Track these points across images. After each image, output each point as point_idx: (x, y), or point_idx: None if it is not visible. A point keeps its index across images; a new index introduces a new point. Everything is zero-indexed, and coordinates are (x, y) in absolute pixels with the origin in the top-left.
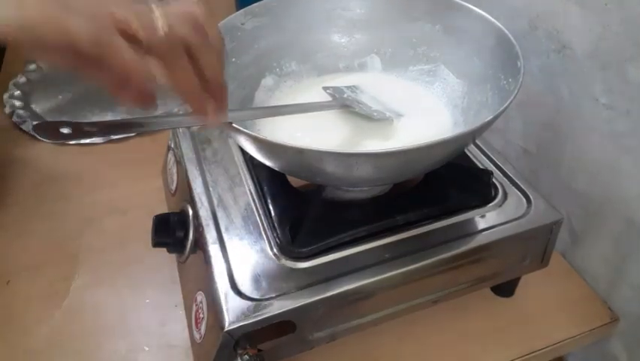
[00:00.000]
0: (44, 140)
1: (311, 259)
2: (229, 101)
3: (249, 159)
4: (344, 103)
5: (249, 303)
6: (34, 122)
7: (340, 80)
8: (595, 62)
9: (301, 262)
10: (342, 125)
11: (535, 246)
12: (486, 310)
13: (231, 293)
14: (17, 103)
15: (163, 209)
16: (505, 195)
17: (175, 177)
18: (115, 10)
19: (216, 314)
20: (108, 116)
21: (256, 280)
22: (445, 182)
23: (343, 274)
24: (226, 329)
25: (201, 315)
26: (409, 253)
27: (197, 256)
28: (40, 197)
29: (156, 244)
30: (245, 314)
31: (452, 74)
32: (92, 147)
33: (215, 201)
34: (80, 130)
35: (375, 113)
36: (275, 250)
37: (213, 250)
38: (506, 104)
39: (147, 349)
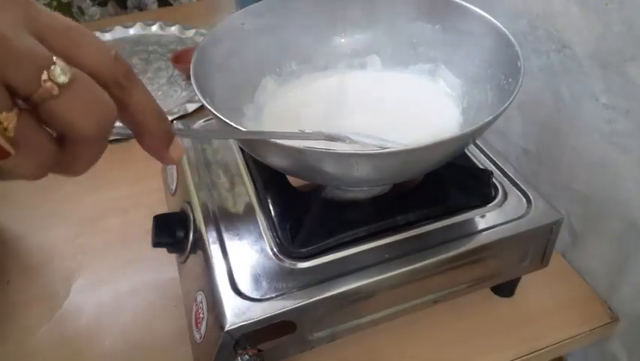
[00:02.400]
0: None
1: (311, 259)
2: (228, 100)
3: (249, 159)
4: (332, 137)
5: (249, 303)
6: None
7: (341, 80)
8: (595, 62)
9: (301, 262)
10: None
11: (535, 246)
12: (486, 310)
13: (231, 293)
14: None
15: (163, 209)
16: (505, 195)
17: (175, 177)
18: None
19: (216, 314)
20: None
21: (256, 280)
22: (445, 182)
23: (343, 274)
24: (226, 329)
25: (201, 315)
26: (409, 253)
27: (197, 256)
28: (40, 197)
29: (156, 244)
30: (245, 314)
31: (452, 74)
32: None
33: (216, 201)
34: None
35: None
36: (275, 250)
37: (213, 250)
38: (506, 105)
39: (147, 349)
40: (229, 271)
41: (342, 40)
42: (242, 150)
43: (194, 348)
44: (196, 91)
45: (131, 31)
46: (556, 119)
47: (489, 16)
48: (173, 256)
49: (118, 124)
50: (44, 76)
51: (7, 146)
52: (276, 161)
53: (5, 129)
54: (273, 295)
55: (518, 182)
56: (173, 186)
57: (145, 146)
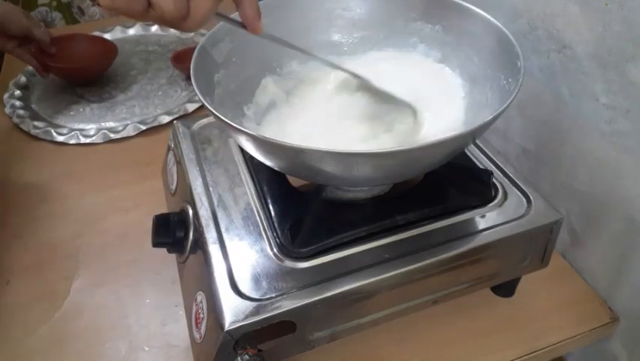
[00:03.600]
0: None
1: (311, 259)
2: (228, 100)
3: (249, 159)
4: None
5: (249, 303)
6: None
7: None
8: (595, 62)
9: (301, 262)
10: (343, 126)
11: (536, 246)
12: (486, 310)
13: (231, 293)
14: (17, 103)
15: (163, 209)
16: (505, 195)
17: (175, 177)
18: None
19: (216, 314)
20: (108, 117)
21: (256, 280)
22: (445, 182)
23: (343, 274)
24: (226, 329)
25: (201, 315)
26: (408, 253)
27: (197, 256)
28: (40, 197)
29: (156, 244)
30: (245, 314)
31: (452, 74)
32: (92, 147)
33: (215, 201)
34: None
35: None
36: (275, 250)
37: (213, 250)
38: (506, 105)
39: (147, 349)
40: (229, 271)
41: (342, 40)
42: (242, 150)
43: (195, 348)
44: (196, 91)
45: (131, 32)
46: (557, 119)
47: (489, 16)
48: (173, 256)
49: None
50: None
51: None
52: (276, 161)
53: None
54: (273, 295)
55: (518, 182)
56: (173, 186)
57: (244, 12)
